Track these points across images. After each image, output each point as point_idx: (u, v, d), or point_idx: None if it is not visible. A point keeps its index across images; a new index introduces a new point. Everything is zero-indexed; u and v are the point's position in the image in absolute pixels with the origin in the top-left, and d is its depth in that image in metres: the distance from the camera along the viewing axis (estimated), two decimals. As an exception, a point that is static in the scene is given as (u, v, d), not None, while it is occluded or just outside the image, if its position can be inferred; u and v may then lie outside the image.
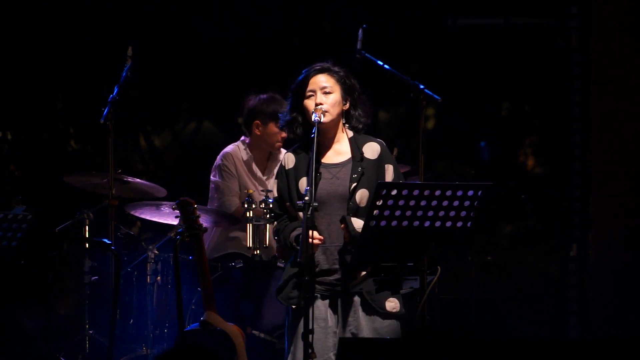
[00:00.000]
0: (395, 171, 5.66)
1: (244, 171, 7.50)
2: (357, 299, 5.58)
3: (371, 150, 5.65)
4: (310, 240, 5.34)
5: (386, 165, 5.65)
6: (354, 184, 5.56)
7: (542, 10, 9.75)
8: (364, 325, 5.57)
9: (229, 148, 7.54)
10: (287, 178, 5.66)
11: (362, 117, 5.69)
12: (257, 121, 7.41)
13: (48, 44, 10.04)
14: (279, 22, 10.30)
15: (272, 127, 7.39)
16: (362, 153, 5.63)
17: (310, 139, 5.62)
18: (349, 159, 5.64)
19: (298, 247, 5.49)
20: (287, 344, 5.69)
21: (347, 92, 5.66)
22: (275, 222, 5.73)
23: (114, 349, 5.76)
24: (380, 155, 5.65)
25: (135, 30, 9.73)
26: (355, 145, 5.65)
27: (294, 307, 5.58)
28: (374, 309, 5.57)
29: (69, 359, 7.51)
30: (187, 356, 3.86)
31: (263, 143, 7.46)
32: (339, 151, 5.68)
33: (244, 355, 6.25)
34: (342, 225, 5.49)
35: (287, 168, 5.67)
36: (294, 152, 5.71)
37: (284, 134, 7.33)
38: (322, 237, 5.47)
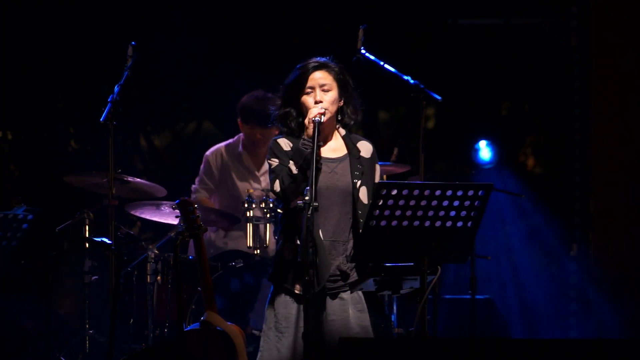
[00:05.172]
0: (379, 172, 5.73)
1: (233, 165, 7.59)
2: (347, 295, 5.56)
3: (366, 149, 5.67)
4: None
5: (376, 166, 5.69)
6: (358, 181, 5.55)
7: (542, 10, 9.74)
8: (354, 322, 5.53)
9: (223, 143, 7.79)
10: (288, 158, 5.56)
11: (352, 114, 5.69)
12: (238, 118, 7.64)
13: (48, 43, 10.04)
14: (279, 22, 10.30)
15: (245, 126, 7.60)
16: (359, 150, 5.63)
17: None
18: (345, 155, 5.64)
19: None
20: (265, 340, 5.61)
21: (343, 89, 5.66)
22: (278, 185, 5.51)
23: (114, 349, 5.76)
24: (372, 155, 5.68)
25: (135, 30, 9.73)
26: (350, 142, 5.66)
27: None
28: (364, 307, 5.54)
29: (69, 359, 7.51)
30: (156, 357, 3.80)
31: (245, 138, 7.67)
32: (334, 147, 5.67)
33: (244, 355, 6.25)
34: None
35: (285, 149, 5.58)
36: (287, 138, 5.62)
37: (259, 135, 7.47)
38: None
